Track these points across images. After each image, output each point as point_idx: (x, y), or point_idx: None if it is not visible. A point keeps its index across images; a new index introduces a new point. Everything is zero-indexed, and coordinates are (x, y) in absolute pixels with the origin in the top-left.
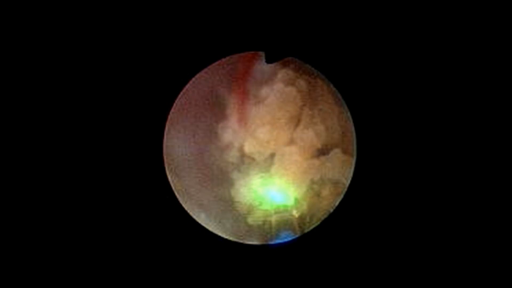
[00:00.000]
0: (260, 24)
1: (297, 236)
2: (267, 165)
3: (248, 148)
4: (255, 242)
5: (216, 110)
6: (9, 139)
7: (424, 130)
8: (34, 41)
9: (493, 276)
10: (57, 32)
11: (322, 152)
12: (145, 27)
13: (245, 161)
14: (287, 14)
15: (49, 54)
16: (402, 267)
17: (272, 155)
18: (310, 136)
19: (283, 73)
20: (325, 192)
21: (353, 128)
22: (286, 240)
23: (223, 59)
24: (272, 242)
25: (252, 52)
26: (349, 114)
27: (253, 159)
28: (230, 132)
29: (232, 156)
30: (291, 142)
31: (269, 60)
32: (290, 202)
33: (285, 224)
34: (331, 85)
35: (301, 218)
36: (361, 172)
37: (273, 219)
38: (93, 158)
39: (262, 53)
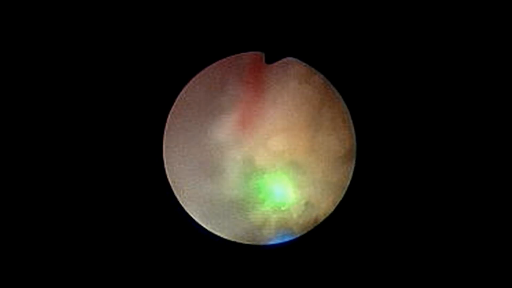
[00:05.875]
0: (260, 24)
1: (295, 237)
2: (281, 179)
3: (258, 160)
4: (254, 242)
5: (216, 112)
6: (9, 139)
7: (423, 131)
8: (34, 41)
9: (493, 276)
10: (57, 32)
11: (345, 160)
12: (145, 28)
13: (253, 176)
14: (286, 14)
15: (49, 54)
16: (401, 268)
17: (288, 166)
18: (332, 142)
19: (296, 70)
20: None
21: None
22: (284, 240)
23: (224, 60)
24: (270, 243)
25: (253, 52)
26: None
27: (264, 172)
28: (231, 138)
29: (237, 167)
30: (311, 151)
31: (269, 60)
32: (290, 200)
33: (284, 224)
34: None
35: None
36: (361, 174)
37: (273, 219)
38: (93, 159)
39: (262, 54)
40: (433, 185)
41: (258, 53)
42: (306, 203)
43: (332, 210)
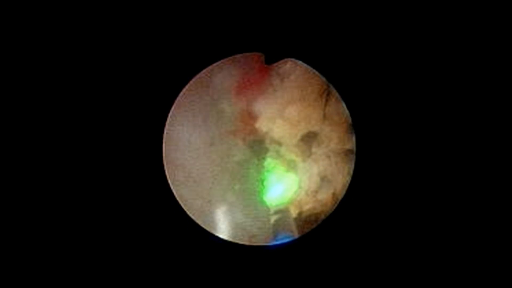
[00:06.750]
0: (260, 24)
1: (295, 237)
2: (300, 150)
3: (276, 132)
4: (255, 243)
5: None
6: (10, 139)
7: (423, 131)
8: (34, 41)
9: (493, 276)
10: (57, 32)
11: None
12: (145, 28)
13: (269, 148)
14: (286, 15)
15: (49, 54)
16: (401, 268)
17: (305, 137)
18: (344, 109)
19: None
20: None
21: None
22: (285, 242)
23: (226, 59)
24: (272, 244)
25: (253, 53)
26: None
27: (281, 144)
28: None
29: (251, 143)
30: (324, 118)
31: (268, 61)
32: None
33: (284, 225)
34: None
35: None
36: (360, 173)
37: (272, 220)
38: (93, 158)
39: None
40: (432, 185)
41: (259, 54)
42: (323, 178)
43: (348, 181)
